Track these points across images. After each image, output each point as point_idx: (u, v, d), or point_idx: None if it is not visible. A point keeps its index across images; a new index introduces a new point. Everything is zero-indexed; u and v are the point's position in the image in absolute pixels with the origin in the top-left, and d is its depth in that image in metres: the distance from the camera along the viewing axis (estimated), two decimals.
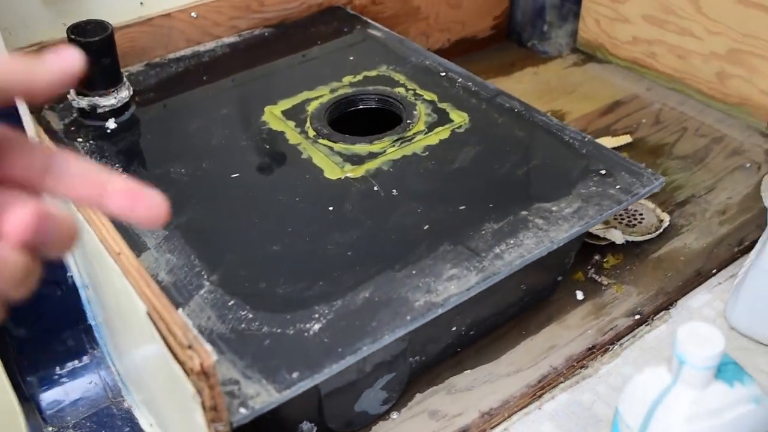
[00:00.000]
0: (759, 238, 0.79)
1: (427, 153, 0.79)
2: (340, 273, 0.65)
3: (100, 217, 0.62)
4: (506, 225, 0.69)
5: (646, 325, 0.80)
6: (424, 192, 0.74)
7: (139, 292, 0.53)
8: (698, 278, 0.85)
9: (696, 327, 0.50)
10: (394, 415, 0.71)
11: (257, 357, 0.57)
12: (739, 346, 0.78)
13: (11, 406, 0.70)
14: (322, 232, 0.69)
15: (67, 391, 0.77)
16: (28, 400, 0.76)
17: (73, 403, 0.77)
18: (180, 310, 0.54)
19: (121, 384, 0.78)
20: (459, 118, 0.84)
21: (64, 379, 0.78)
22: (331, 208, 0.72)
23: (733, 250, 0.88)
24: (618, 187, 0.73)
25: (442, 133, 0.81)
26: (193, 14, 1.01)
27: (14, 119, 0.72)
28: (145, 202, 0.31)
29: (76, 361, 0.79)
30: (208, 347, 0.48)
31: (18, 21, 0.90)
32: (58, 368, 0.78)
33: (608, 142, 1.05)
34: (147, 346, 0.57)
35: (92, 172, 0.31)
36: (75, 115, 0.87)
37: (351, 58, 0.98)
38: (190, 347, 0.48)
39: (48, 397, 0.76)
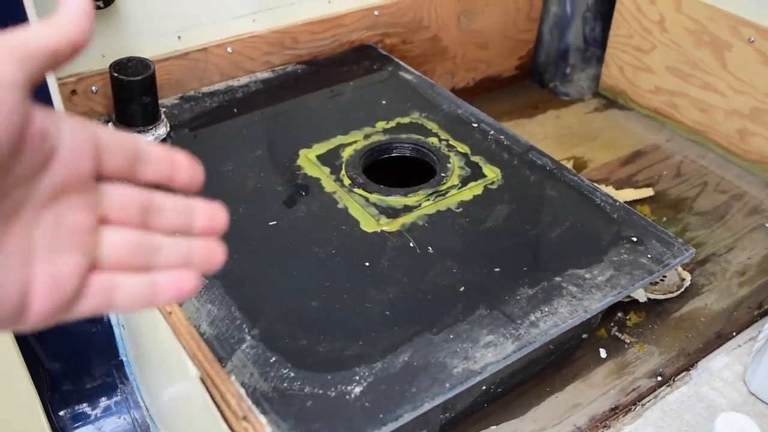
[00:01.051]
0: None
1: (461, 209, 0.80)
2: (379, 333, 0.66)
3: None
4: (540, 291, 0.70)
5: (668, 386, 0.82)
6: (458, 250, 0.75)
7: (191, 355, 0.54)
8: (718, 340, 0.86)
9: (733, 418, 0.52)
10: None
11: (300, 418, 0.58)
12: (759, 412, 0.79)
13: None
14: (360, 289, 0.70)
15: (97, 427, 0.79)
16: None
17: None
18: (232, 377, 0.55)
19: (150, 421, 0.79)
20: (492, 173, 0.85)
21: (94, 414, 0.79)
22: (367, 264, 0.73)
23: (753, 312, 0.90)
24: (649, 256, 0.74)
25: (476, 189, 0.83)
26: (228, 49, 1.02)
27: None
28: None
29: (106, 397, 0.80)
30: (263, 419, 0.49)
31: None
32: (88, 403, 0.80)
33: (630, 194, 1.06)
34: (190, 403, 0.59)
35: (160, 152, 0.33)
36: None
37: (383, 102, 0.99)
38: (245, 419, 0.49)
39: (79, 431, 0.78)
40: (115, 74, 0.85)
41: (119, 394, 0.81)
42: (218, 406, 0.51)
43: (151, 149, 0.32)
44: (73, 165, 0.29)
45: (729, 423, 0.52)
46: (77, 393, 0.80)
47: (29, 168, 0.28)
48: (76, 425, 0.78)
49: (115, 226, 0.31)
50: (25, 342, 0.72)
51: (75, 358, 0.78)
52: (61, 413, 0.79)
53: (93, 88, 0.93)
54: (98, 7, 0.88)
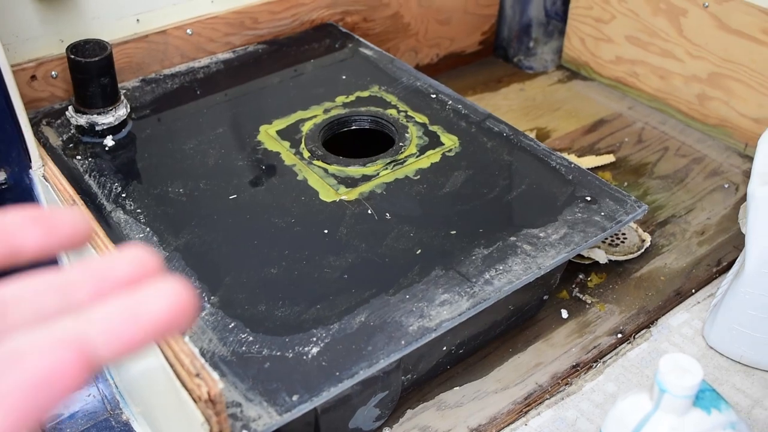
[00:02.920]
0: (736, 258, 0.83)
1: (418, 176, 0.81)
2: (336, 296, 0.67)
3: (105, 242, 0.64)
4: (495, 251, 0.71)
5: (628, 344, 0.83)
6: (416, 215, 0.76)
7: None
8: (678, 298, 0.88)
9: (676, 358, 0.53)
10: (386, 431, 0.74)
11: (258, 380, 0.59)
12: (717, 365, 0.81)
13: None
14: (318, 255, 0.72)
15: (66, 404, 0.79)
16: None
17: (71, 415, 0.79)
18: (186, 337, 0.56)
19: (119, 396, 0.80)
20: (449, 141, 0.87)
21: None
22: (326, 231, 0.74)
23: (712, 270, 0.92)
24: (602, 213, 0.76)
25: (433, 157, 0.84)
26: (188, 31, 1.03)
27: (15, 136, 0.74)
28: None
29: None
30: (215, 376, 0.50)
31: (14, 37, 0.92)
32: None
33: (592, 161, 1.08)
34: (151, 368, 0.60)
35: None
36: (73, 131, 0.89)
37: (343, 77, 1.00)
38: (197, 375, 0.50)
39: None
40: (72, 56, 0.85)
41: (80, 388, 0.82)
42: (172, 366, 0.52)
43: None
44: None
45: (672, 362, 0.53)
46: None
47: None
48: None
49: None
50: None
51: None
52: None
53: (53, 73, 0.94)
54: None
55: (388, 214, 0.76)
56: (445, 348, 0.74)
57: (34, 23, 0.92)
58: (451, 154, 0.85)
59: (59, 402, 0.21)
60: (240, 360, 0.61)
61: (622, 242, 0.95)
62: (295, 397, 0.58)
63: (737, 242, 0.95)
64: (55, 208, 0.25)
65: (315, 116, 0.91)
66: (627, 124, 1.18)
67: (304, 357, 0.61)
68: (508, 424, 0.75)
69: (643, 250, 0.93)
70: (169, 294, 0.23)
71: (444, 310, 0.65)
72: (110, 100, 0.88)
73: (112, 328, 0.22)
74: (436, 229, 0.74)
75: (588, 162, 1.08)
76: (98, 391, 0.81)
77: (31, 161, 0.76)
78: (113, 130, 0.88)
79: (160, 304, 0.23)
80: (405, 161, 0.83)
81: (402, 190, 0.79)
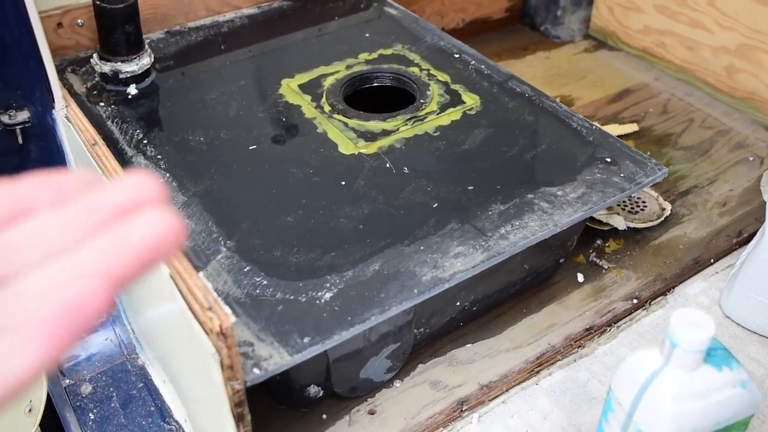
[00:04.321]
0: (757, 230, 0.82)
1: (438, 133, 0.81)
2: (351, 245, 0.67)
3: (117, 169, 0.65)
4: (512, 207, 0.71)
5: (643, 310, 0.83)
6: (434, 171, 0.76)
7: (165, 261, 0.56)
8: (696, 267, 0.87)
9: (688, 313, 0.53)
10: (397, 383, 0.74)
11: (270, 321, 0.60)
12: (732, 334, 0.80)
13: None
14: (335, 206, 0.72)
15: (84, 347, 0.81)
16: None
17: (89, 358, 0.80)
18: (200, 273, 0.57)
19: (135, 342, 0.81)
20: (471, 100, 0.86)
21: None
22: (343, 183, 0.74)
23: (732, 241, 0.91)
24: (622, 175, 0.75)
25: (454, 114, 0.84)
26: None
27: (39, 75, 0.75)
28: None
29: None
30: (227, 309, 0.51)
31: None
32: None
33: (615, 129, 1.07)
34: (166, 306, 0.60)
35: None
36: (97, 79, 0.89)
37: (367, 35, 1.00)
38: (210, 309, 0.51)
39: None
40: (98, 2, 0.85)
41: (105, 316, 0.83)
42: (186, 300, 0.53)
43: None
44: None
45: (684, 317, 0.53)
46: None
47: None
48: None
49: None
50: None
51: None
52: None
53: (79, 21, 0.94)
54: None
55: (406, 169, 0.76)
56: (458, 303, 0.74)
57: None
58: (472, 112, 0.84)
59: (90, 328, 0.23)
60: (253, 302, 0.61)
61: (642, 210, 0.94)
62: (306, 339, 0.58)
63: (759, 214, 0.94)
64: (65, 172, 0.26)
65: (337, 72, 0.91)
66: (652, 95, 1.17)
67: (317, 301, 0.62)
68: (519, 383, 0.75)
69: (662, 219, 0.93)
70: (157, 222, 0.24)
71: (458, 262, 0.65)
72: (134, 48, 0.88)
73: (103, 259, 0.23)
74: (454, 185, 0.74)
75: (611, 130, 1.06)
76: (115, 335, 0.82)
77: (54, 101, 0.76)
78: (137, 78, 0.89)
79: (147, 232, 0.24)
80: (425, 118, 0.83)
81: (421, 146, 0.79)
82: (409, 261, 0.65)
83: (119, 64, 0.87)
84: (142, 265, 0.24)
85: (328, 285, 0.63)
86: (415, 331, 0.72)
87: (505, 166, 0.77)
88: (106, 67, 0.87)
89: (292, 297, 0.62)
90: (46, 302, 0.23)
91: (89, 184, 0.26)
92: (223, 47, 0.98)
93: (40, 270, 0.23)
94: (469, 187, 0.74)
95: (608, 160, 0.77)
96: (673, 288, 0.86)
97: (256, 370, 0.55)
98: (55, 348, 0.22)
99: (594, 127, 0.82)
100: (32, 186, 0.26)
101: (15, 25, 0.72)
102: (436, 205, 0.72)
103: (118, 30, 0.86)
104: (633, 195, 0.95)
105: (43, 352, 0.22)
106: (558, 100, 1.14)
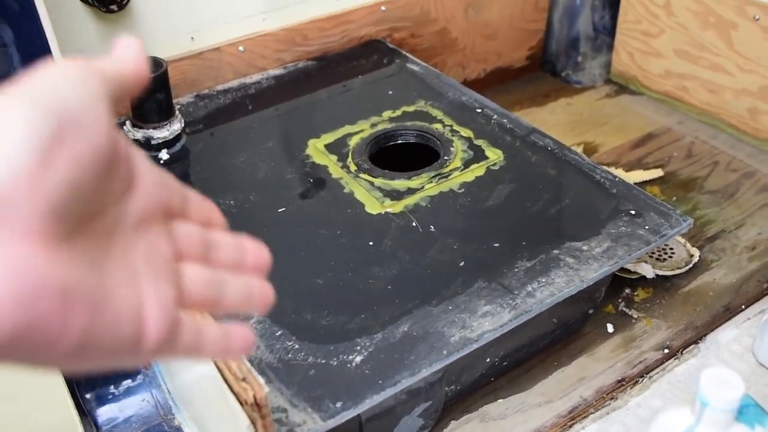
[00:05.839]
0: None
1: (463, 189, 0.82)
2: (380, 306, 0.68)
3: None
4: (538, 263, 0.72)
5: (675, 359, 0.83)
6: (460, 228, 0.77)
7: None
8: (727, 313, 0.87)
9: (718, 372, 0.53)
10: None
11: (303, 386, 0.61)
12: (767, 383, 0.80)
13: (72, 422, 0.75)
14: (363, 266, 0.73)
15: (122, 408, 0.82)
16: (85, 415, 0.81)
17: (126, 419, 0.81)
18: None
19: (171, 402, 0.83)
20: (494, 155, 0.87)
21: (118, 397, 0.83)
22: (371, 243, 0.76)
23: (762, 286, 0.90)
24: (647, 227, 0.76)
25: (478, 170, 0.85)
26: (240, 48, 1.06)
27: None
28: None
29: (130, 380, 0.84)
30: (261, 380, 0.52)
31: (75, 53, 0.96)
32: (113, 386, 0.83)
33: (640, 175, 1.07)
34: (201, 373, 0.62)
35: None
36: None
37: (390, 92, 1.02)
38: (244, 379, 0.52)
39: (104, 413, 0.81)
40: None
41: (142, 377, 0.85)
42: (220, 371, 0.54)
43: (189, 191, 0.33)
44: (151, 194, 0.29)
45: (713, 376, 0.53)
46: (102, 376, 0.83)
47: (119, 186, 0.27)
48: (102, 407, 0.82)
49: (187, 261, 0.31)
50: None
51: None
52: (88, 396, 0.83)
53: None
54: (112, 11, 0.92)
55: (432, 227, 0.77)
56: (488, 359, 0.75)
57: (93, 40, 0.96)
58: (496, 167, 0.86)
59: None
60: (286, 367, 0.63)
61: (670, 257, 0.94)
62: (338, 404, 0.59)
63: None
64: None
65: (362, 130, 0.93)
66: (676, 139, 1.17)
67: (348, 365, 0.63)
68: None
69: (691, 265, 0.93)
70: (263, 288, 0.35)
71: (486, 322, 0.66)
72: (165, 115, 0.91)
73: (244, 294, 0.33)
74: (480, 242, 0.75)
75: (636, 176, 1.07)
76: (152, 396, 0.84)
77: None
78: (168, 143, 0.91)
79: (260, 292, 0.34)
80: (449, 174, 0.84)
81: (446, 203, 0.81)
82: (437, 321, 0.66)
83: (151, 130, 0.90)
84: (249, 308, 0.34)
85: (358, 348, 0.64)
86: (447, 388, 0.72)
87: (529, 222, 0.78)
88: (139, 134, 0.90)
89: (323, 361, 0.63)
90: (243, 303, 0.33)
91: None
92: (250, 108, 1.01)
93: (234, 277, 0.33)
94: (495, 244, 0.75)
95: (632, 212, 0.78)
96: (705, 336, 0.85)
97: None
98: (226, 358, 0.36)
99: (617, 179, 0.83)
100: (209, 205, 0.35)
101: None
102: (462, 263, 0.73)
103: (149, 98, 0.89)
104: None
105: (224, 356, 0.33)
106: (581, 146, 1.15)
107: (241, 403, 0.53)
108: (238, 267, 0.33)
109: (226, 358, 0.31)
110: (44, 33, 0.69)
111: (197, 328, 0.30)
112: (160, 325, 0.27)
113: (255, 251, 0.35)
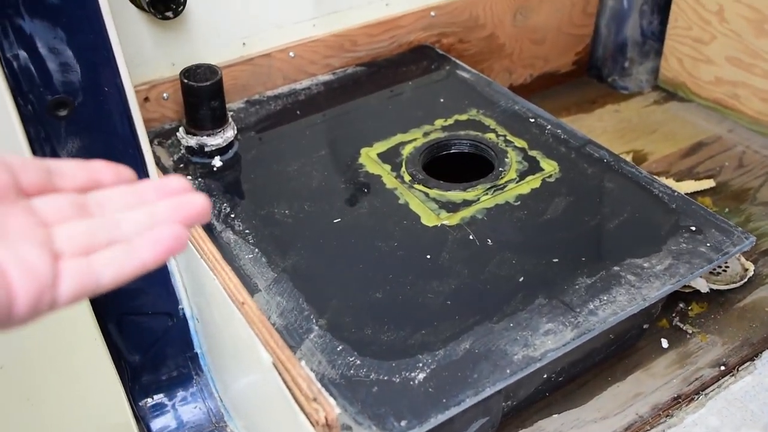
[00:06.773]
0: None
1: (519, 202, 0.82)
2: (441, 322, 0.68)
3: (222, 264, 0.67)
4: (599, 280, 0.71)
5: (731, 376, 0.82)
6: (517, 242, 0.77)
7: (263, 342, 0.58)
8: None
9: None
10: None
11: (366, 404, 0.61)
12: None
13: (130, 428, 0.76)
14: (422, 280, 0.73)
15: (175, 416, 0.83)
16: (139, 422, 0.82)
17: (178, 427, 0.82)
18: (302, 362, 0.59)
19: (223, 410, 0.83)
20: (549, 166, 0.87)
21: (172, 404, 0.84)
22: (428, 256, 0.76)
23: None
24: (708, 245, 0.75)
25: (533, 182, 0.85)
26: (290, 54, 1.06)
27: (139, 160, 0.78)
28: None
29: (182, 389, 0.85)
30: (332, 401, 0.52)
31: (130, 60, 0.96)
32: (166, 394, 0.84)
33: (691, 186, 1.06)
34: (267, 391, 0.62)
35: (73, 164, 0.36)
36: (183, 151, 0.93)
37: (441, 100, 1.01)
38: (315, 400, 0.52)
39: (158, 422, 0.82)
40: (185, 80, 0.89)
41: (194, 385, 0.85)
42: (290, 390, 0.54)
43: (61, 163, 0.35)
44: None
45: None
46: (156, 384, 0.84)
47: None
48: (155, 414, 0.83)
49: (59, 225, 0.33)
50: (107, 336, 0.77)
51: (153, 352, 0.83)
52: (141, 403, 0.83)
53: (164, 94, 0.98)
54: (168, 18, 0.92)
55: (489, 240, 0.77)
56: (545, 375, 0.74)
57: (148, 47, 0.97)
58: (552, 179, 0.85)
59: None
60: (349, 383, 0.63)
61: (724, 271, 0.93)
62: (403, 423, 0.59)
63: None
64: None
65: (415, 139, 0.93)
66: (727, 148, 1.16)
67: (411, 382, 0.63)
68: None
69: (746, 280, 0.91)
70: (202, 198, 0.35)
71: (548, 340, 0.65)
72: (219, 122, 0.92)
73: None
74: (538, 257, 0.75)
75: (687, 187, 1.06)
76: (204, 404, 0.85)
77: (148, 176, 0.79)
78: (221, 150, 0.92)
79: (198, 202, 0.35)
80: (505, 186, 0.84)
81: (503, 216, 0.80)
82: (499, 339, 0.66)
83: (205, 137, 0.91)
84: (194, 224, 0.35)
85: (420, 365, 0.64)
86: (503, 404, 0.72)
87: (588, 237, 0.77)
88: (192, 141, 0.91)
89: (386, 377, 0.63)
90: (148, 229, 0.34)
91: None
92: (300, 114, 1.01)
93: (130, 213, 0.34)
94: (554, 260, 0.74)
95: (693, 228, 0.77)
96: (761, 353, 0.84)
97: None
98: (155, 261, 0.33)
99: (676, 193, 0.82)
100: (100, 165, 0.36)
101: (113, 103, 0.75)
102: (522, 279, 0.72)
103: (204, 106, 0.90)
104: None
105: (147, 261, 0.33)
106: (630, 155, 1.14)
107: (312, 423, 0.53)
108: (141, 204, 0.35)
109: (143, 269, 0.33)
110: (110, 43, 0.70)
111: (86, 267, 0.32)
112: (26, 288, 0.29)
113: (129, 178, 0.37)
